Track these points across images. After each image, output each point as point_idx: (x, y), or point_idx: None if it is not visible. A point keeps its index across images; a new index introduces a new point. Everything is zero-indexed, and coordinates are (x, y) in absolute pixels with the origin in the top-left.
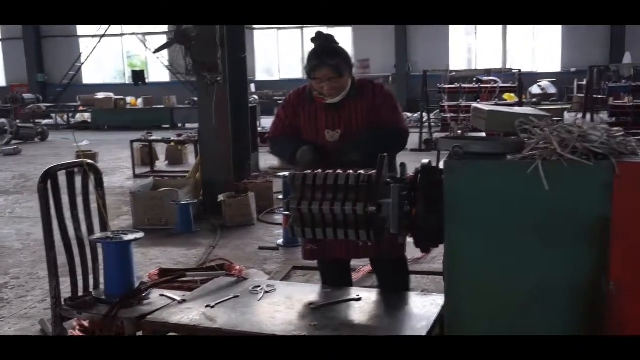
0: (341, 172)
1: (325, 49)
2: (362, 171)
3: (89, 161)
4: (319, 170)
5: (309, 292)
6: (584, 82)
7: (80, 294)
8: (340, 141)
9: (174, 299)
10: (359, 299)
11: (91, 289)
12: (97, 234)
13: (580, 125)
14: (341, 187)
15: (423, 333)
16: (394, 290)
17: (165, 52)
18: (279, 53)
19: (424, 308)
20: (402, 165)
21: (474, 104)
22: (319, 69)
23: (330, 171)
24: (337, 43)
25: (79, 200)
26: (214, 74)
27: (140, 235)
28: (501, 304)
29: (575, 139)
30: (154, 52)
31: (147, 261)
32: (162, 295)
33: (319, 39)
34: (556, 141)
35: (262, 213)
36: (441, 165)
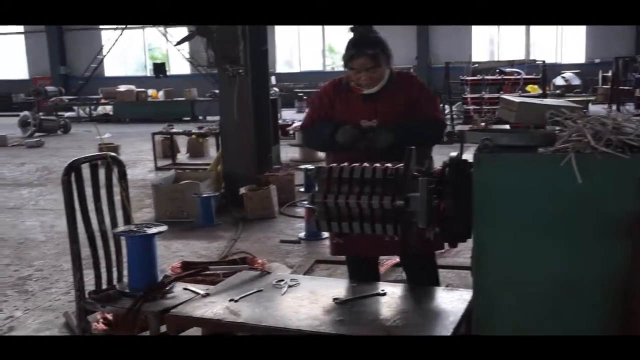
0: (367, 165)
1: (363, 38)
2: (389, 164)
3: (113, 154)
4: (345, 164)
5: (333, 286)
6: (609, 74)
7: (104, 286)
8: None
9: (197, 293)
10: (384, 294)
11: (115, 282)
12: (121, 227)
13: (615, 117)
14: (368, 181)
15: (451, 329)
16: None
17: (186, 44)
18: (299, 45)
19: (450, 303)
20: (429, 157)
21: (502, 95)
22: (356, 59)
23: (357, 164)
24: (377, 33)
25: (103, 192)
26: (235, 66)
27: (163, 228)
28: (531, 300)
29: (609, 131)
30: (176, 45)
31: (169, 254)
32: (185, 288)
33: (357, 28)
34: (589, 133)
35: (284, 206)
36: (466, 158)
